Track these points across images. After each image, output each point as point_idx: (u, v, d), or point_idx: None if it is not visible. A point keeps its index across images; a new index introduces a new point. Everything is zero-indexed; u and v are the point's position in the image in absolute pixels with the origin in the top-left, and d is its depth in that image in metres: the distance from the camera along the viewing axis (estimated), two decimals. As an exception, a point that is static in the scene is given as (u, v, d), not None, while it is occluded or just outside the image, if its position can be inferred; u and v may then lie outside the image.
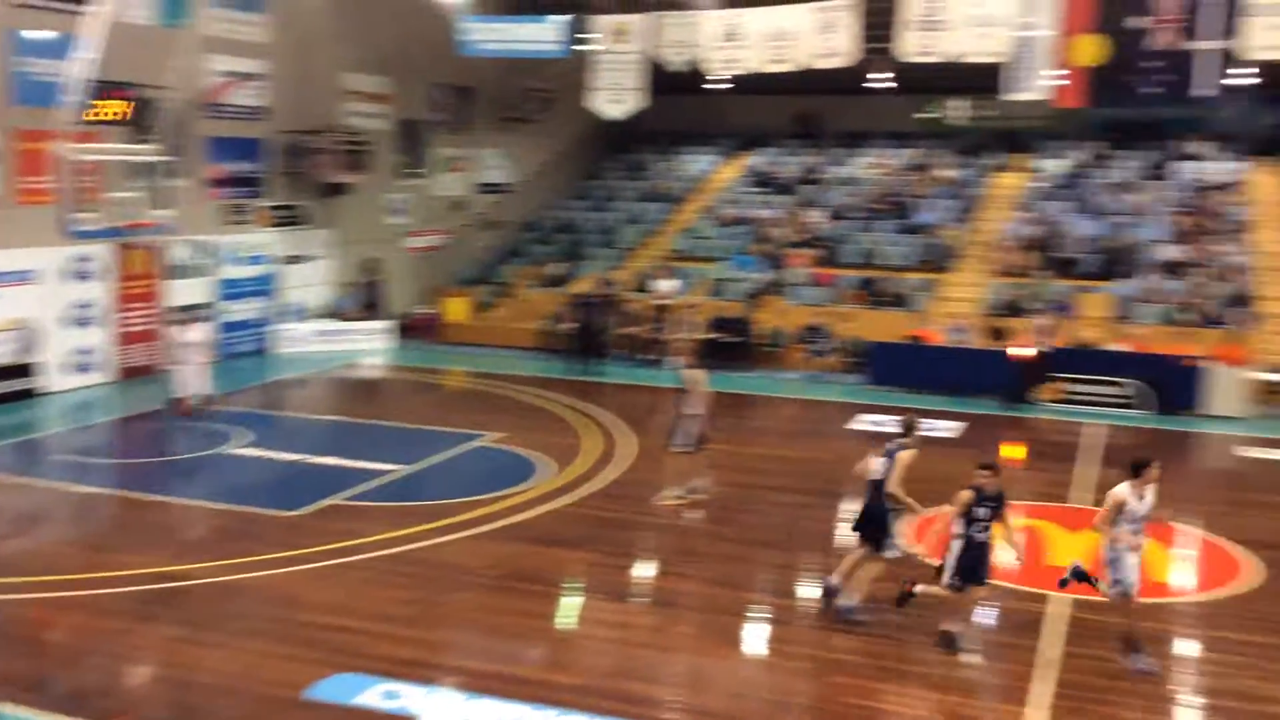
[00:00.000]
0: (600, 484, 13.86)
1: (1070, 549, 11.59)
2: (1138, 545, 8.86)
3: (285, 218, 23.32)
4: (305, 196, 23.57)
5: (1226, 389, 18.37)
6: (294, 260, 23.58)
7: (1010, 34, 19.40)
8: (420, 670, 8.60)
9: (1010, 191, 27.59)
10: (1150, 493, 8.85)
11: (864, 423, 17.52)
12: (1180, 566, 11.40)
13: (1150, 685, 8.66)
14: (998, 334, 20.80)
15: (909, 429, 10.08)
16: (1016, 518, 9.96)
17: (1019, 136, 29.62)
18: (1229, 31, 18.29)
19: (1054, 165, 28.37)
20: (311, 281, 24.12)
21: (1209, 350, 19.05)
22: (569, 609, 10.37)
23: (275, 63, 22.36)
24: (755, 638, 9.71)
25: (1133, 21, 18.95)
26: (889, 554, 9.83)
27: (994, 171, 28.67)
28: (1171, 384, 18.48)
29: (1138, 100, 22.75)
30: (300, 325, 23.48)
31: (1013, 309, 22.05)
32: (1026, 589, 10.42)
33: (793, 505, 13.30)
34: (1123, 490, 8.76)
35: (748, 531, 12.28)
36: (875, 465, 9.84)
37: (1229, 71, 18.91)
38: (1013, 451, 16.07)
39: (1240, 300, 21.46)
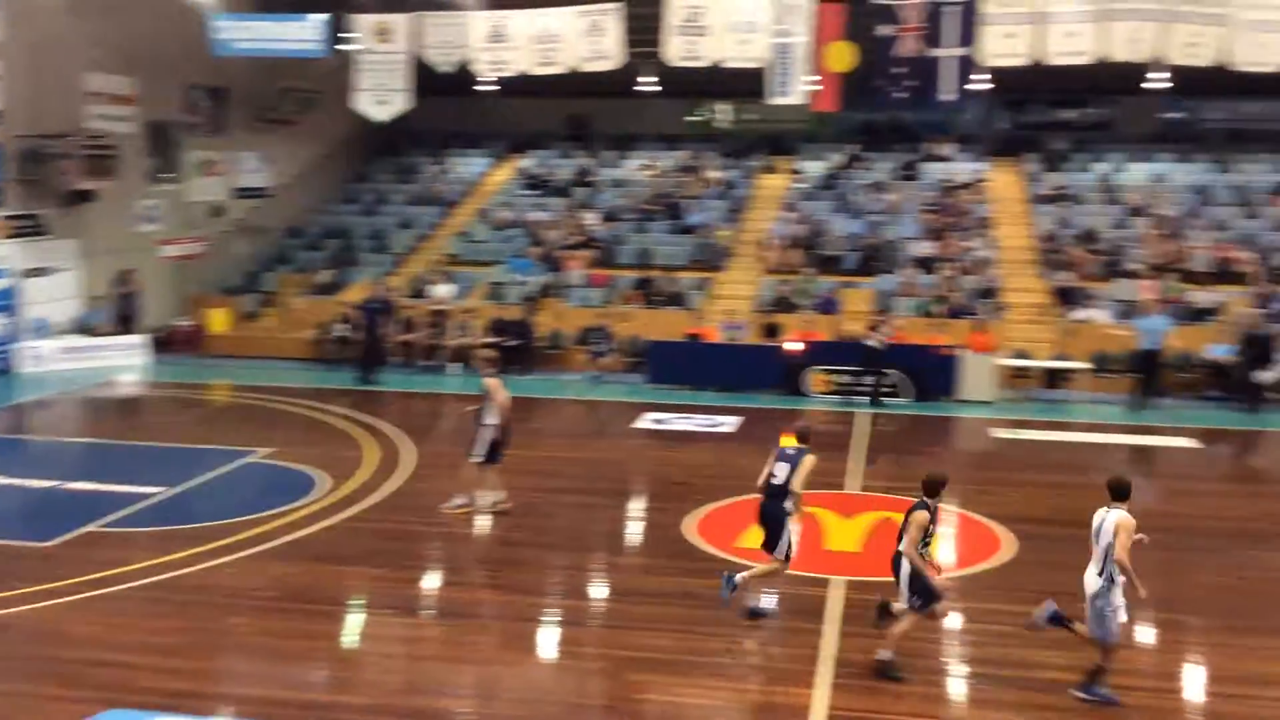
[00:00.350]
0: (382, 495, 13.48)
1: (846, 535, 12.09)
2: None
3: (25, 228, 21.63)
4: (47, 205, 21.93)
5: (978, 375, 19.60)
6: (36, 273, 21.89)
7: (769, 41, 20.10)
8: (197, 702, 8.11)
9: (775, 192, 28.60)
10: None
11: (648, 421, 17.77)
12: (943, 545, 12.03)
13: (925, 659, 9.10)
14: (771, 330, 21.53)
15: (805, 437, 10.10)
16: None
17: (782, 139, 30.79)
18: (967, 40, 19.54)
19: (814, 167, 29.60)
20: (57, 295, 22.44)
21: (961, 339, 20.29)
22: (354, 627, 10.02)
23: (8, 63, 20.70)
24: (549, 642, 9.66)
25: (881, 30, 19.96)
26: (779, 555, 9.82)
27: (760, 173, 29.66)
28: (929, 373, 19.58)
29: (888, 104, 24.06)
30: (46, 342, 21.83)
31: (783, 305, 22.87)
32: (807, 574, 10.79)
33: (581, 506, 13.32)
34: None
35: (537, 535, 12.21)
36: (778, 470, 9.84)
37: (969, 76, 20.18)
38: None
39: (987, 292, 22.99)
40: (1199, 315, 21.46)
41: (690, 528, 12.34)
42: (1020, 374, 20.33)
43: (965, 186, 27.62)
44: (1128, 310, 21.64)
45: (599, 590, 10.84)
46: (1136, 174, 28.17)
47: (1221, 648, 9.39)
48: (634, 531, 12.93)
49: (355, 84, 21.53)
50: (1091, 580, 8.45)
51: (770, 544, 9.84)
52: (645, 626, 9.67)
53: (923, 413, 18.93)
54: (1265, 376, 19.06)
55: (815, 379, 19.90)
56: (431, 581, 11.18)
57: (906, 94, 20.38)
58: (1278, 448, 17.64)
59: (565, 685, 8.78)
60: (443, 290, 23.30)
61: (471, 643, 9.47)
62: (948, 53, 19.71)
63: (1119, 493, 8.54)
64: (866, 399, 19.43)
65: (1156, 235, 24.32)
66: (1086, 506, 13.59)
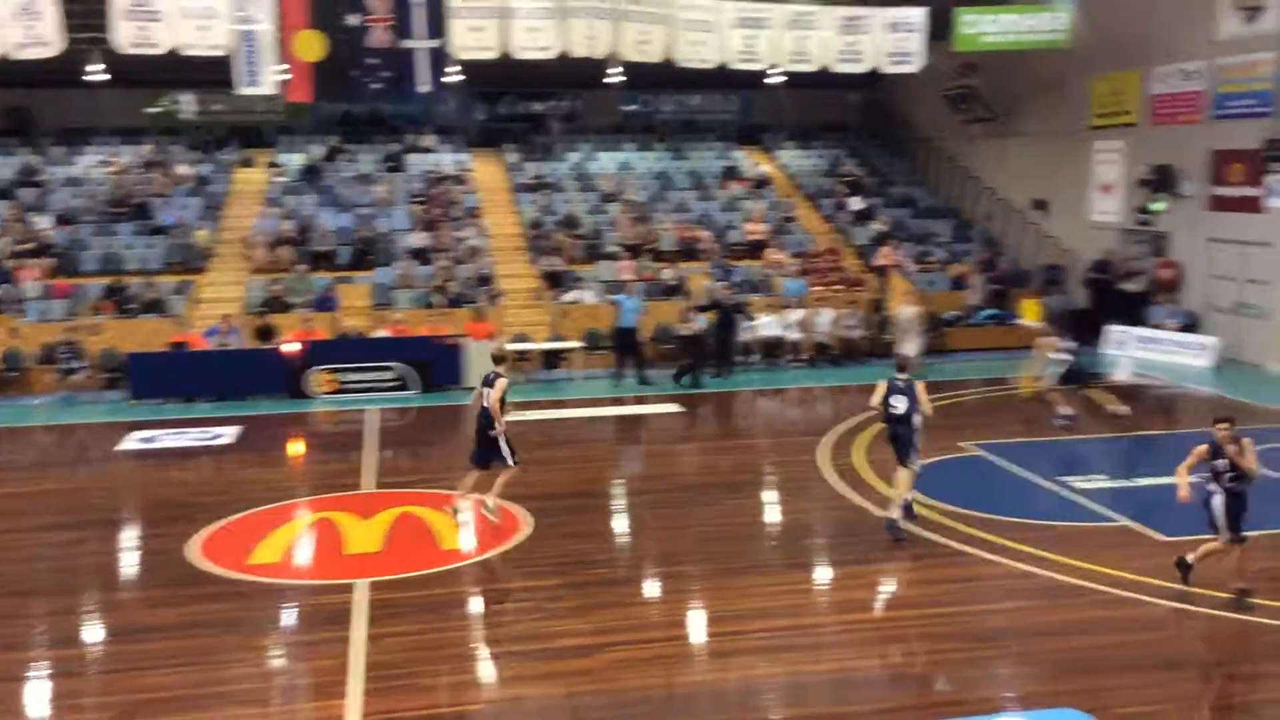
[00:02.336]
0: None
1: (367, 536, 11.82)
2: None
3: None
4: None
5: (482, 362, 19.86)
6: None
7: (231, 27, 19.08)
8: None
9: (256, 187, 27.31)
10: None
11: (135, 441, 16.25)
12: (465, 532, 12.18)
13: (454, 648, 9.13)
14: (266, 332, 20.53)
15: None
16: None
17: (256, 131, 29.43)
18: (437, 32, 19.80)
19: (294, 159, 28.63)
20: None
21: (462, 328, 20.60)
22: None
23: None
24: (40, 700, 8.49)
25: (349, 19, 19.66)
26: (912, 466, 11.61)
27: (236, 167, 28.16)
28: (434, 363, 19.69)
29: (366, 95, 23.81)
30: None
31: (276, 305, 21.90)
32: (328, 582, 10.42)
33: (65, 544, 11.88)
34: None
35: (12, 583, 10.71)
36: (896, 402, 11.54)
37: (444, 69, 20.47)
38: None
39: (483, 280, 23.54)
40: (670, 291, 23.45)
41: (195, 551, 11.44)
42: (521, 357, 21.06)
43: (451, 178, 28.08)
44: (611, 290, 23.18)
45: (95, 633, 9.72)
46: (606, 162, 30.22)
47: (717, 590, 10.28)
48: (130, 564, 11.76)
49: None
50: None
51: (902, 457, 11.66)
52: (154, 665, 8.81)
53: (430, 404, 19.02)
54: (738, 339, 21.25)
55: (319, 379, 19.28)
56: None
57: (382, 85, 20.30)
58: (744, 405, 19.72)
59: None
60: None
61: (-62, 722, 8.10)
62: (419, 44, 19.86)
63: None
64: (371, 394, 19.16)
65: (628, 219, 26.24)
66: (592, 477, 14.46)
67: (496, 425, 11.80)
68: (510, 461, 11.97)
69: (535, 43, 21.03)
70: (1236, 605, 9.58)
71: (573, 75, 26.79)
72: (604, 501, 13.49)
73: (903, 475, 11.77)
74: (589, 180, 29.00)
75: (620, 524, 12.59)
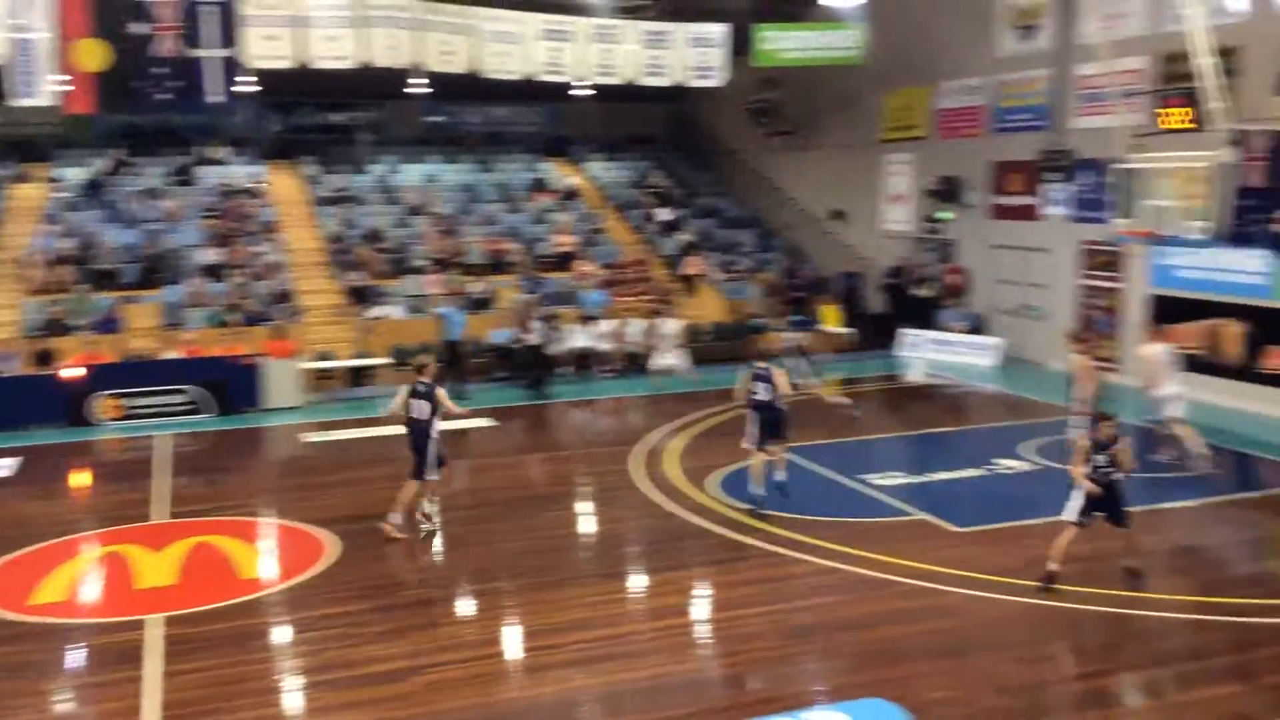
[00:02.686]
0: None
1: (159, 569, 11.18)
2: None
3: None
4: None
5: (282, 382, 19.28)
6: None
7: (4, 35, 17.87)
8: None
9: (33, 203, 25.62)
10: None
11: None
12: (266, 560, 11.67)
13: (256, 680, 8.72)
14: (45, 357, 19.26)
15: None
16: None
17: (33, 144, 27.66)
18: (228, 41, 19.03)
19: (75, 174, 27.04)
20: None
21: (261, 347, 19.82)
22: None
23: None
24: None
25: (134, 28, 18.69)
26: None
27: (11, 183, 26.36)
28: (230, 384, 18.84)
29: (153, 106, 22.70)
30: None
31: (56, 328, 20.57)
32: (118, 619, 9.81)
33: None
34: None
35: None
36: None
37: (236, 79, 19.68)
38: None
39: (282, 297, 22.73)
40: (480, 305, 23.20)
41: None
42: (325, 375, 20.42)
43: (245, 191, 27.05)
44: (418, 305, 22.75)
45: None
46: (411, 174, 29.70)
47: (533, 604, 10.17)
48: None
49: None
50: None
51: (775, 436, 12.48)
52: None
53: (227, 426, 18.21)
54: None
55: (103, 405, 18.18)
56: None
57: (170, 95, 19.34)
58: (555, 418, 19.65)
59: None
60: None
61: None
62: (209, 54, 19.01)
63: None
64: (162, 419, 18.19)
65: (435, 232, 25.84)
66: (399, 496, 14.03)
67: (433, 433, 11.93)
68: (433, 474, 12.09)
69: (333, 52, 20.48)
70: (1129, 582, 10.15)
71: (375, 86, 26.25)
72: (414, 521, 13.17)
73: (776, 450, 12.59)
74: (393, 193, 28.44)
75: (432, 542, 12.33)
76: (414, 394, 12.04)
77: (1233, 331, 17.72)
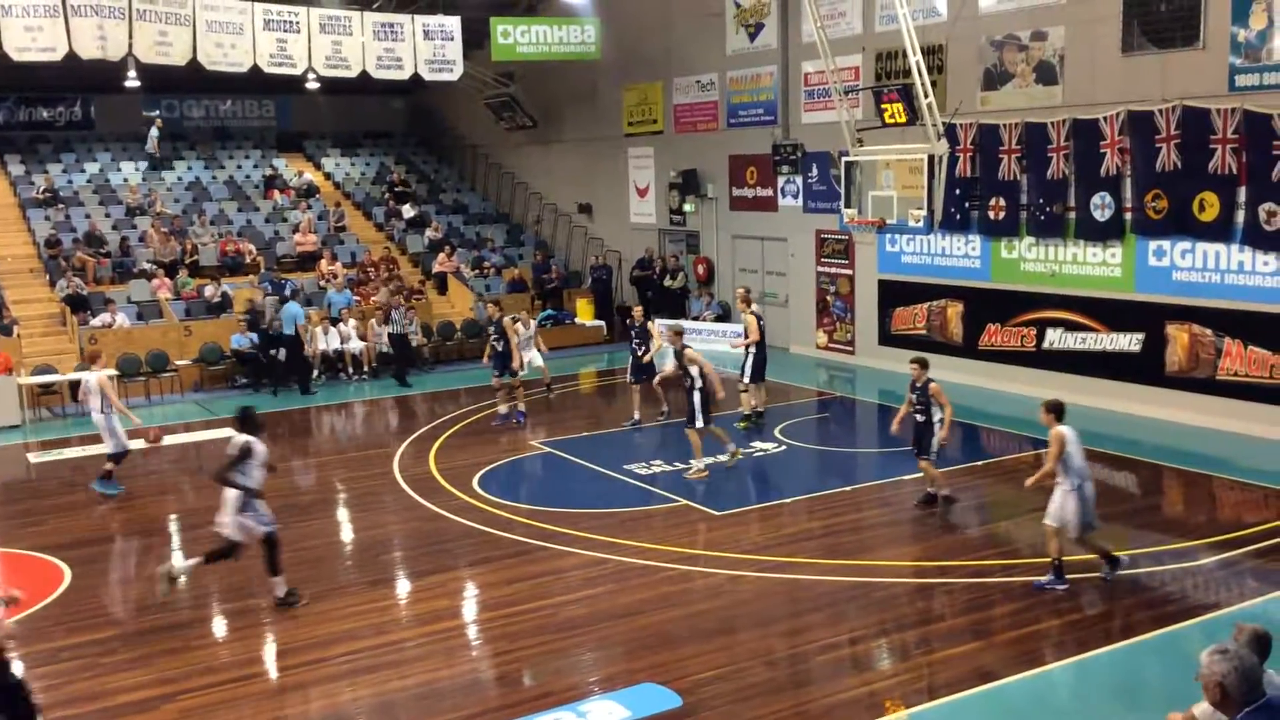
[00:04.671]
0: None
1: None
2: None
3: None
4: None
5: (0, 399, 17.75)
6: None
7: None
8: None
9: None
10: None
11: None
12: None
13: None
14: None
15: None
16: None
17: None
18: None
19: None
20: None
21: (-32, 362, 18.12)
22: None
23: None
24: None
25: None
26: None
27: None
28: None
29: None
30: None
31: None
32: None
33: None
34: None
35: None
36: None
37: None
38: None
39: (-6, 308, 20.86)
40: (217, 309, 22.04)
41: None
42: (47, 390, 18.86)
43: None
44: (143, 312, 21.40)
45: None
46: (130, 172, 27.87)
47: (295, 619, 9.77)
48: None
49: None
50: None
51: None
52: None
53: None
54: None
55: None
56: None
57: None
58: (310, 423, 18.92)
59: None
60: None
61: None
62: None
63: None
64: None
65: (160, 233, 24.34)
66: (140, 515, 13.26)
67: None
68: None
69: (35, 43, 18.96)
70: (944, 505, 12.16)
71: (87, 78, 24.48)
72: (157, 540, 12.39)
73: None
74: (111, 193, 26.60)
75: (177, 562, 11.61)
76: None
77: (954, 312, 19.08)
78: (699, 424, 13.60)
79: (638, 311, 17.75)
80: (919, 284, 19.63)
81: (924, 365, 12.15)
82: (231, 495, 9.85)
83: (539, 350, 18.14)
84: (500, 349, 17.00)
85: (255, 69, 21.22)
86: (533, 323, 19.49)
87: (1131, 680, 8.31)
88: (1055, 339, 17.41)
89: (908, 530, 11.92)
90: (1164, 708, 6.27)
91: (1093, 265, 16.82)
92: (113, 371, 18.37)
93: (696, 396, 13.57)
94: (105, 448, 13.93)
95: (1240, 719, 4.49)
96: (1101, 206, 16.39)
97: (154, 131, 28.36)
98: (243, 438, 9.92)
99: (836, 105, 17.72)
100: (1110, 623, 9.32)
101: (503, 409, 17.14)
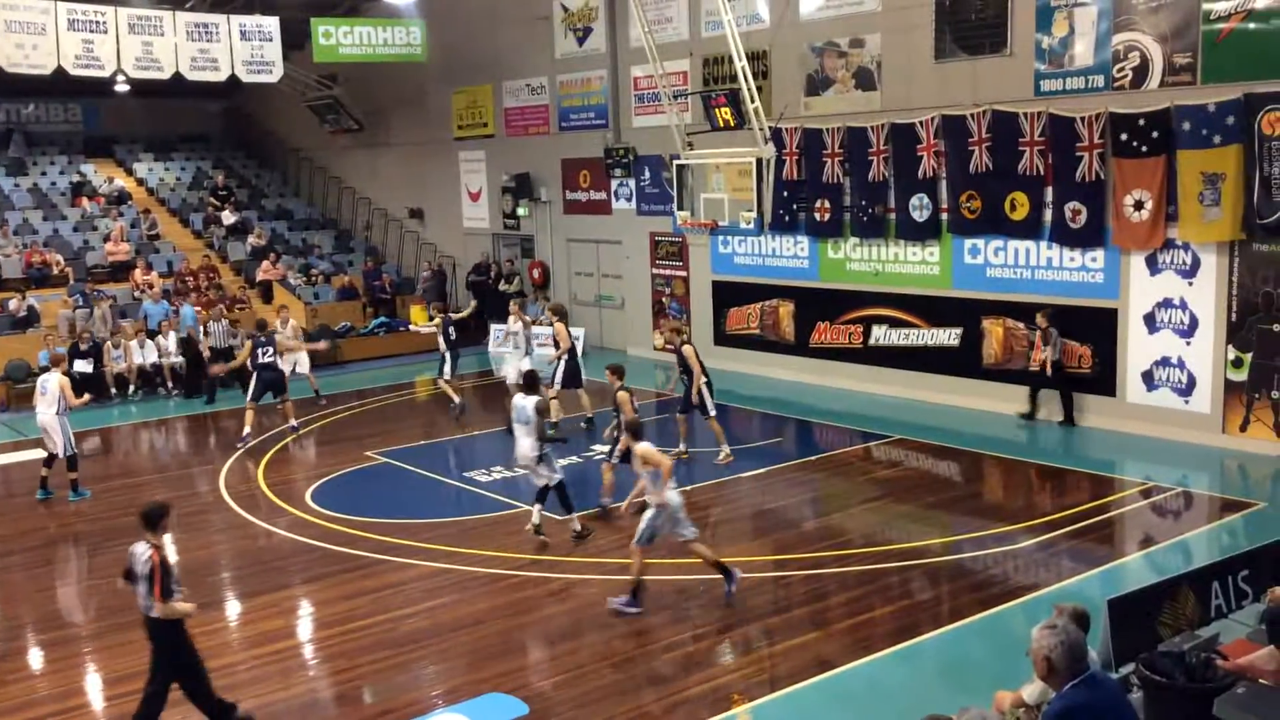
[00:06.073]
0: None
1: None
2: None
3: None
4: None
5: None
6: None
7: None
8: None
9: None
10: None
11: None
12: None
13: None
14: None
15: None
16: None
17: None
18: None
19: None
20: None
21: None
22: None
23: None
24: None
25: None
26: None
27: None
28: None
29: None
30: None
31: None
32: None
33: None
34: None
35: None
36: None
37: None
38: None
39: None
40: (23, 323, 20.75)
41: None
42: None
43: None
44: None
45: None
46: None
47: (111, 649, 9.24)
48: None
49: None
50: None
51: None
52: None
53: None
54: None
55: None
56: None
57: None
58: (126, 441, 17.98)
59: None
60: None
61: None
62: None
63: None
64: None
65: (-42, 244, 22.81)
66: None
67: None
68: None
69: None
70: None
71: None
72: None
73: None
74: (-98, 202, 24.80)
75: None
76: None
77: (785, 311, 19.51)
78: (712, 412, 14.26)
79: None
80: (751, 284, 20.00)
81: (618, 374, 13.08)
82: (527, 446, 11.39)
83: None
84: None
85: (60, 71, 20.12)
86: (292, 321, 19.56)
87: (960, 661, 8.63)
88: (881, 335, 17.99)
89: (747, 527, 12.13)
90: (991, 686, 6.54)
91: (913, 264, 17.46)
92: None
93: (703, 391, 14.14)
94: (54, 450, 13.66)
95: (1065, 691, 4.71)
96: (920, 207, 17.03)
97: None
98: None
99: (666, 109, 17.90)
100: (939, 607, 9.68)
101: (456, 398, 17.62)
